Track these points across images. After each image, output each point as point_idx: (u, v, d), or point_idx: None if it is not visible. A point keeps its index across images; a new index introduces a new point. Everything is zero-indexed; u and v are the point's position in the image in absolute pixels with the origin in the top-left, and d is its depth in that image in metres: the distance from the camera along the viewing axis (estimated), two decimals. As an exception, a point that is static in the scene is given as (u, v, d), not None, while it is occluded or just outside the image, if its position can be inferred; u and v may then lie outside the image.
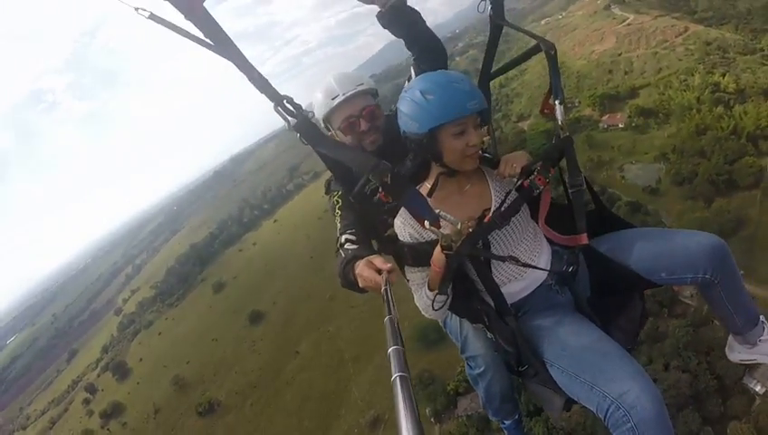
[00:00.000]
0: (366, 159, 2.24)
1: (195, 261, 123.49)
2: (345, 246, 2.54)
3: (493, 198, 2.53)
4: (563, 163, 2.60)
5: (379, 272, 1.99)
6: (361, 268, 2.09)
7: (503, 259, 2.33)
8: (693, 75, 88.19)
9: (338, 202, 2.79)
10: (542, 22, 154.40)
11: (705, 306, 45.15)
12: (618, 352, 2.15)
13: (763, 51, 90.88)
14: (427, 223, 2.11)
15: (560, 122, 2.56)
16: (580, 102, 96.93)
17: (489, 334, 2.62)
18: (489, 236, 2.38)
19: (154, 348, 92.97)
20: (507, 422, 3.66)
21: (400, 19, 2.81)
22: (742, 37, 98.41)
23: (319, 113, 2.85)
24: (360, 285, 2.13)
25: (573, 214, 2.56)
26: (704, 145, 68.04)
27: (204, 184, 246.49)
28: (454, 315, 3.01)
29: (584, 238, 2.52)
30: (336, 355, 65.20)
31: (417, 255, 2.43)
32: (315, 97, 2.90)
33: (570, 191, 2.56)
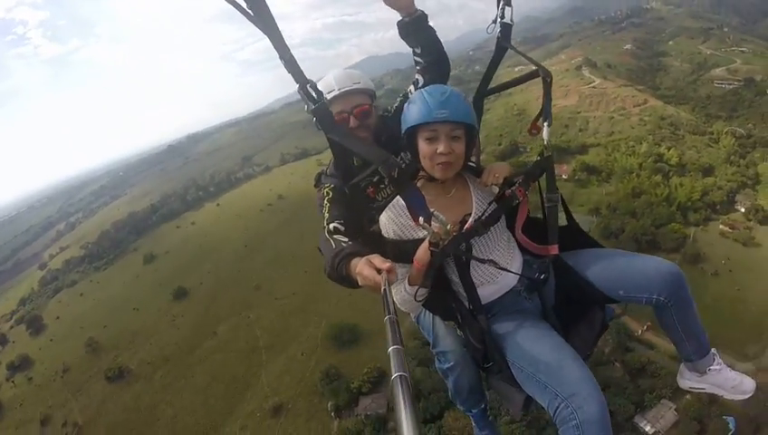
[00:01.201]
0: (379, 152, 2.42)
1: (130, 229, 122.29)
2: (336, 236, 2.58)
3: (474, 204, 2.70)
4: (542, 180, 2.83)
5: (379, 271, 2.02)
6: (361, 267, 2.11)
7: (483, 261, 2.56)
8: (641, 143, 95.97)
9: (328, 194, 2.89)
10: (516, 68, 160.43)
11: (605, 349, 50.99)
12: (573, 358, 2.35)
13: (712, 134, 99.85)
14: (421, 219, 2.25)
15: (545, 142, 2.83)
16: (531, 149, 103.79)
17: (459, 332, 2.82)
18: (471, 240, 2.54)
19: (73, 308, 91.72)
20: (474, 411, 3.75)
21: (422, 31, 3.09)
22: (695, 119, 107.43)
23: (323, 85, 2.96)
24: (360, 283, 2.15)
25: (546, 227, 2.79)
26: (636, 206, 75.59)
27: (156, 156, 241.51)
28: (427, 312, 3.13)
29: (555, 249, 2.75)
30: (251, 341, 67.10)
31: (399, 252, 2.58)
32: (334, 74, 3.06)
33: (546, 205, 2.79)
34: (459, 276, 2.58)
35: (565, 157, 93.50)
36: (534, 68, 3.02)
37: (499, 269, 2.61)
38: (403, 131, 2.59)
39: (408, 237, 2.64)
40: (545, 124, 2.89)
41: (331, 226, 2.68)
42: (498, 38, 3.19)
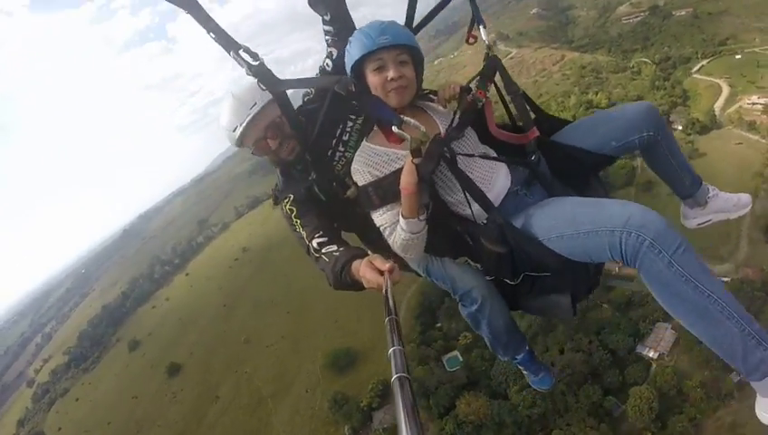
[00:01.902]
0: (329, 78, 2.61)
1: (108, 322, 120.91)
2: (323, 251, 2.55)
3: (439, 125, 2.69)
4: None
5: (381, 273, 2.01)
6: (363, 270, 2.12)
7: (472, 155, 2.61)
8: (569, 97, 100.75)
9: (291, 211, 2.80)
10: (436, 62, 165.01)
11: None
12: (602, 198, 2.41)
13: (633, 68, 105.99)
14: (394, 128, 2.18)
15: (487, 43, 2.94)
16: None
17: (474, 264, 2.80)
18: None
19: (73, 415, 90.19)
20: (519, 357, 3.52)
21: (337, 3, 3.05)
22: (614, 58, 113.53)
23: (230, 142, 2.92)
24: (365, 286, 2.16)
25: (517, 121, 2.90)
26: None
27: (113, 244, 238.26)
28: (435, 260, 2.92)
29: (534, 132, 2.75)
30: (255, 394, 67.68)
31: (383, 191, 2.56)
32: (221, 128, 2.92)
33: (511, 97, 2.87)
34: (455, 176, 2.51)
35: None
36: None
37: (491, 160, 2.68)
38: (349, 71, 2.58)
39: (386, 172, 2.60)
40: (481, 27, 3.01)
41: (314, 243, 2.62)
42: None
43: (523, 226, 2.51)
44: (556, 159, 2.86)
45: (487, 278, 2.86)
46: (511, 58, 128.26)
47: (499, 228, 2.49)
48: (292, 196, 2.87)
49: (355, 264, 2.29)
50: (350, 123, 2.98)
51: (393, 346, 1.21)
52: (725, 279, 54.50)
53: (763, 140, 72.84)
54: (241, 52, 2.32)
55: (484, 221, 2.57)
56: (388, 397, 54.28)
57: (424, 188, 2.38)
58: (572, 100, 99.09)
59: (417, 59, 2.62)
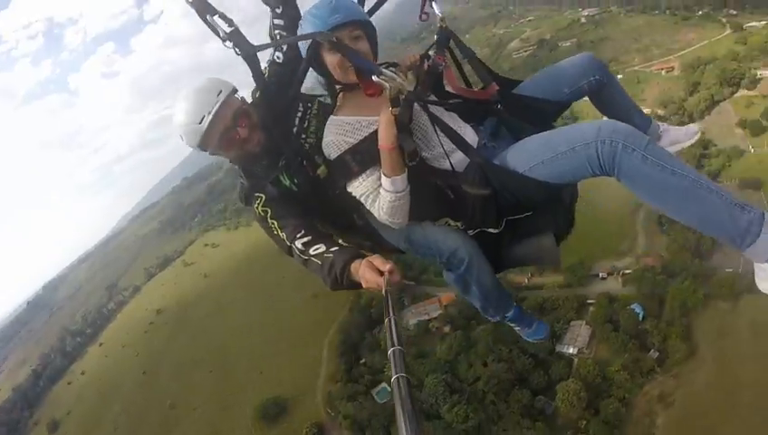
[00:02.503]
0: (308, 34, 2.52)
1: (22, 405, 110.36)
2: (311, 252, 2.53)
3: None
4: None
5: (381, 273, 2.08)
6: (363, 271, 2.19)
7: (447, 104, 2.84)
8: None
9: (266, 211, 2.75)
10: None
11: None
12: (575, 124, 2.46)
13: None
14: (374, 77, 2.22)
15: (440, 16, 3.06)
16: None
17: (455, 223, 2.78)
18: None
19: None
20: (510, 314, 3.52)
21: None
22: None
23: (191, 141, 2.70)
24: (364, 286, 2.22)
25: (480, 79, 2.97)
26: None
27: (17, 318, 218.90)
28: (416, 228, 2.80)
29: (494, 86, 2.89)
30: None
31: (361, 156, 2.56)
32: (180, 126, 2.68)
33: (468, 60, 3.06)
34: (432, 123, 2.57)
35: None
36: None
37: (457, 115, 2.86)
38: (305, 53, 2.62)
39: (362, 136, 2.60)
40: (434, 3, 3.14)
41: (298, 244, 2.58)
42: None
43: (503, 163, 2.58)
44: (516, 110, 2.93)
45: (470, 233, 2.84)
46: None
47: (480, 169, 2.55)
48: (263, 196, 2.80)
49: (354, 265, 2.33)
50: (307, 108, 2.98)
51: (393, 346, 1.25)
52: (627, 271, 60.71)
53: None
54: (216, 17, 2.41)
55: (464, 169, 2.63)
56: (324, 435, 55.28)
57: (405, 139, 2.43)
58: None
59: (370, 33, 2.64)
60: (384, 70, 2.25)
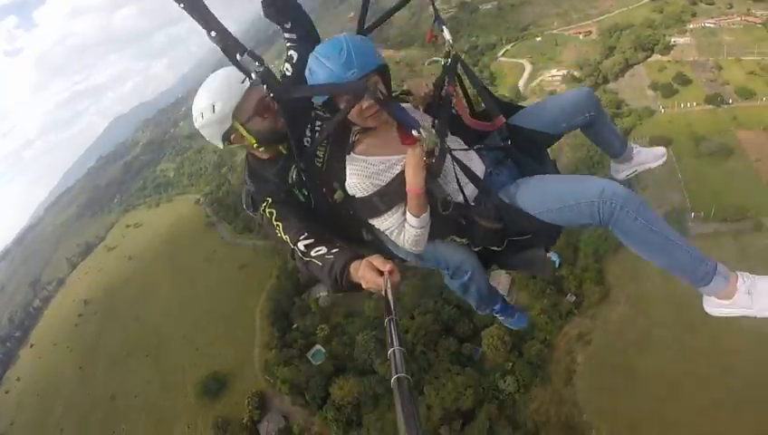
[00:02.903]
0: (354, 84, 2.46)
1: None
2: (312, 254, 2.53)
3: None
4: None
5: (381, 273, 2.08)
6: (363, 271, 2.17)
7: (469, 148, 3.03)
8: None
9: (271, 214, 2.76)
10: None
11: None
12: (572, 175, 2.96)
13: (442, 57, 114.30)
14: (414, 132, 2.40)
15: (450, 42, 3.15)
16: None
17: (461, 240, 3.08)
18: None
19: None
20: (497, 307, 4.11)
21: (289, 4, 3.10)
22: (426, 52, 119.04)
23: (226, 106, 2.74)
24: (364, 286, 2.19)
25: (485, 109, 3.20)
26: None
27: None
28: (427, 245, 2.99)
29: (502, 119, 3.11)
30: None
31: (388, 198, 2.72)
32: (213, 91, 2.78)
33: (477, 90, 3.18)
34: (458, 166, 2.80)
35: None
36: None
37: (470, 149, 3.05)
38: (319, 104, 2.69)
39: (388, 180, 2.73)
40: (443, 27, 3.23)
41: (300, 246, 2.60)
42: None
43: (515, 202, 2.87)
44: (518, 140, 3.17)
45: (474, 249, 3.18)
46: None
47: (496, 209, 2.85)
48: (270, 199, 2.82)
49: (354, 265, 2.31)
50: (317, 127, 3.00)
51: (393, 347, 1.26)
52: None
53: None
54: (246, 55, 2.25)
55: (474, 202, 2.89)
56: (268, 406, 56.72)
57: (436, 187, 2.68)
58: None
59: (385, 73, 2.68)
60: (423, 123, 2.49)
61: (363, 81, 2.45)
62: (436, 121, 2.79)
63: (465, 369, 50.37)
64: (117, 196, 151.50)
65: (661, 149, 4.13)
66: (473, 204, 2.87)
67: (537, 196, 2.82)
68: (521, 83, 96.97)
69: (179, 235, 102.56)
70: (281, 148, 2.94)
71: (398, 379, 1.10)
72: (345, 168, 2.81)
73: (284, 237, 2.66)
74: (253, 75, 2.25)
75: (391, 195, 2.71)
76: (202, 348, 69.86)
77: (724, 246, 53.16)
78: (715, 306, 2.78)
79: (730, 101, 76.94)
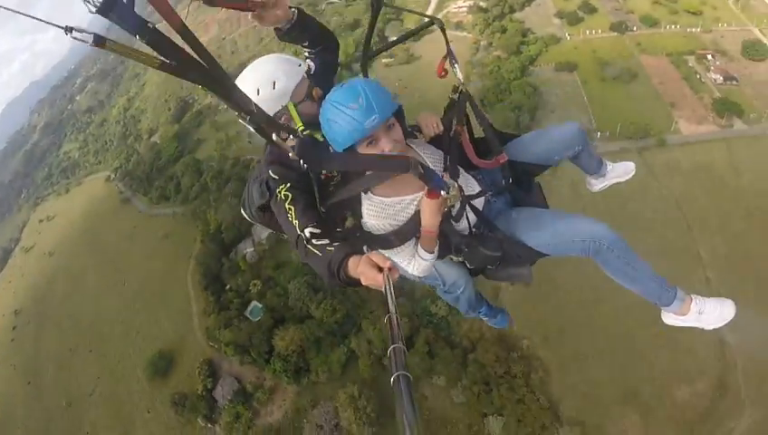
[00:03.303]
0: (398, 161, 2.62)
1: None
2: (315, 242, 2.57)
3: (426, 160, 3.05)
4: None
5: (380, 269, 2.08)
6: (362, 267, 2.15)
7: (482, 194, 3.24)
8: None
9: (287, 197, 2.78)
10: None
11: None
12: (567, 215, 3.13)
13: None
14: (443, 193, 2.69)
15: (460, 79, 3.29)
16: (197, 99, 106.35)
17: (458, 258, 3.34)
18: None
19: None
20: (482, 309, 4.50)
21: (304, 28, 3.11)
22: None
23: (289, 83, 2.91)
24: (363, 283, 2.17)
25: (484, 138, 3.37)
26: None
27: None
28: None
29: (504, 157, 3.32)
30: None
31: (403, 235, 2.90)
32: (274, 68, 2.92)
33: (482, 127, 3.34)
34: (475, 214, 3.18)
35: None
36: (427, 20, 3.68)
37: (481, 196, 3.26)
38: (340, 150, 2.69)
39: (405, 219, 2.90)
40: (456, 65, 3.39)
41: (306, 233, 2.61)
42: (371, 1, 3.38)
43: (515, 235, 3.18)
44: (513, 171, 3.44)
45: (468, 267, 3.54)
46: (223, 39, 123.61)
47: (499, 242, 3.15)
48: (290, 183, 2.83)
49: (352, 260, 2.30)
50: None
51: (393, 344, 1.22)
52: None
53: (470, 35, 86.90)
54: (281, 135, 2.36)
55: (474, 227, 3.19)
56: (219, 371, 55.79)
57: (453, 233, 3.08)
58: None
59: (400, 114, 2.80)
60: (450, 183, 2.83)
61: (406, 157, 2.63)
62: (449, 163, 3.10)
63: (397, 299, 50.33)
64: (23, 190, 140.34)
65: (630, 165, 4.41)
66: (474, 230, 3.18)
67: (535, 230, 3.14)
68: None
69: (96, 218, 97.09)
70: (317, 134, 2.92)
71: (398, 376, 1.11)
72: (360, 202, 2.93)
73: (294, 222, 2.68)
74: (291, 154, 2.47)
75: (406, 233, 2.89)
76: (142, 329, 67.59)
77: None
78: (672, 320, 3.35)
79: (634, 28, 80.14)
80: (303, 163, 2.49)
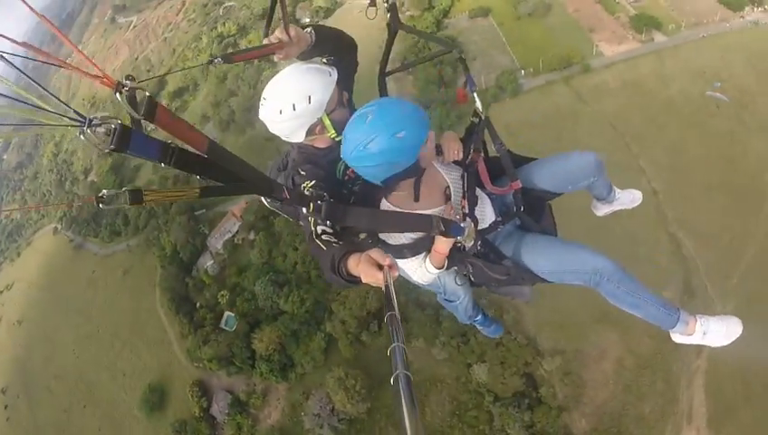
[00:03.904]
0: (426, 218, 2.69)
1: None
2: (324, 238, 2.59)
3: (446, 178, 3.19)
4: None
5: (380, 267, 2.06)
6: (363, 264, 2.13)
7: (495, 228, 3.32)
8: (201, 39, 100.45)
9: (310, 192, 2.78)
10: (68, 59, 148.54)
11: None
12: (573, 245, 3.26)
13: None
14: (459, 238, 2.80)
15: (479, 105, 3.35)
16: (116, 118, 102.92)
17: (461, 274, 3.53)
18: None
19: None
20: (478, 319, 4.63)
21: (324, 44, 3.08)
22: None
23: (323, 96, 2.91)
24: (363, 280, 2.17)
25: (503, 167, 3.41)
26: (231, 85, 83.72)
27: None
28: None
29: (518, 184, 3.33)
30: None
31: (416, 249, 2.96)
32: (307, 83, 2.89)
33: (499, 154, 3.39)
34: (485, 244, 3.32)
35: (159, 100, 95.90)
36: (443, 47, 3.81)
37: (497, 225, 3.41)
38: (413, 160, 2.77)
39: (419, 235, 3.00)
40: (475, 95, 3.51)
41: (318, 229, 2.62)
42: (388, 24, 3.53)
43: (521, 260, 3.34)
44: (526, 196, 3.45)
45: (471, 280, 3.67)
46: (135, 27, 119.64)
47: (507, 269, 3.30)
48: (315, 180, 2.87)
49: (353, 257, 2.27)
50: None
51: (394, 343, 1.22)
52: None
53: (385, 5, 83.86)
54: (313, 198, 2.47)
55: (479, 247, 3.28)
56: (210, 390, 55.86)
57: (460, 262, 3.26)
58: (204, 40, 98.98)
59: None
60: (464, 226, 2.83)
61: (432, 217, 2.76)
62: (467, 189, 3.17)
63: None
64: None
65: (638, 194, 4.47)
66: (481, 249, 3.27)
67: (542, 258, 3.30)
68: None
69: (54, 274, 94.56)
70: None
71: (398, 376, 1.11)
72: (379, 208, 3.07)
73: (311, 219, 2.66)
74: (314, 218, 2.54)
75: (419, 247, 2.96)
76: (127, 370, 66.89)
77: (559, 93, 57.52)
78: (679, 339, 3.50)
79: None
80: (331, 224, 2.56)
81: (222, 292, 58.96)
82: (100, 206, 1.61)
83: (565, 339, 42.95)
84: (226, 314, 57.95)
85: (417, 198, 3.02)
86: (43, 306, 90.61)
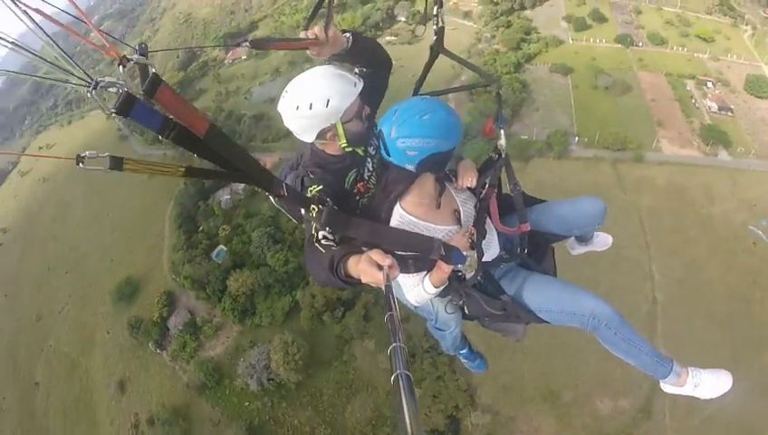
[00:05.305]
0: (428, 241, 2.61)
1: None
2: (323, 242, 2.56)
3: (457, 201, 3.27)
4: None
5: (380, 268, 2.07)
6: (363, 264, 2.14)
7: (499, 263, 3.50)
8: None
9: (316, 196, 2.76)
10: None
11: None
12: (571, 285, 3.39)
13: None
14: (460, 266, 2.92)
15: (503, 143, 3.45)
16: (205, 51, 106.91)
17: (455, 304, 3.61)
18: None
19: None
20: (464, 352, 4.66)
21: (360, 52, 3.16)
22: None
23: (341, 103, 2.86)
24: (363, 280, 2.18)
25: (514, 206, 3.49)
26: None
27: None
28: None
29: (527, 226, 3.44)
30: (66, 361, 66.34)
31: (421, 264, 2.91)
32: (330, 87, 2.84)
33: (513, 193, 3.50)
34: (486, 280, 3.42)
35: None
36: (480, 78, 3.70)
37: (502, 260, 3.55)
38: (451, 147, 2.86)
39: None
40: (501, 129, 3.47)
41: (320, 234, 2.60)
42: (431, 46, 3.44)
43: (520, 298, 3.44)
44: (532, 237, 3.59)
45: (464, 312, 3.72)
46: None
47: (503, 303, 3.36)
48: (323, 185, 2.89)
49: (353, 258, 2.30)
50: (368, 162, 3.11)
51: (393, 343, 1.31)
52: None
53: (475, 26, 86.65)
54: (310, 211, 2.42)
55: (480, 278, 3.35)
56: (176, 303, 59.05)
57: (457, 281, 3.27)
58: (305, 1, 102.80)
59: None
60: (467, 255, 2.90)
61: (435, 240, 2.64)
62: (477, 220, 3.29)
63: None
64: (27, 117, 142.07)
65: (609, 238, 4.69)
66: (480, 280, 3.37)
67: (540, 298, 3.40)
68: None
69: (91, 150, 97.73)
70: (359, 150, 3.12)
71: (400, 375, 1.12)
72: (390, 216, 3.04)
73: (314, 224, 2.69)
74: (316, 224, 2.54)
75: (424, 262, 2.89)
76: (117, 258, 70.61)
77: (602, 171, 56.47)
78: (670, 389, 3.53)
79: (640, 44, 77.05)
80: (330, 231, 2.51)
81: (224, 226, 62.23)
82: (80, 165, 1.67)
83: (504, 402, 42.15)
84: (220, 247, 60.94)
85: (438, 205, 3.08)
86: (70, 175, 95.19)
